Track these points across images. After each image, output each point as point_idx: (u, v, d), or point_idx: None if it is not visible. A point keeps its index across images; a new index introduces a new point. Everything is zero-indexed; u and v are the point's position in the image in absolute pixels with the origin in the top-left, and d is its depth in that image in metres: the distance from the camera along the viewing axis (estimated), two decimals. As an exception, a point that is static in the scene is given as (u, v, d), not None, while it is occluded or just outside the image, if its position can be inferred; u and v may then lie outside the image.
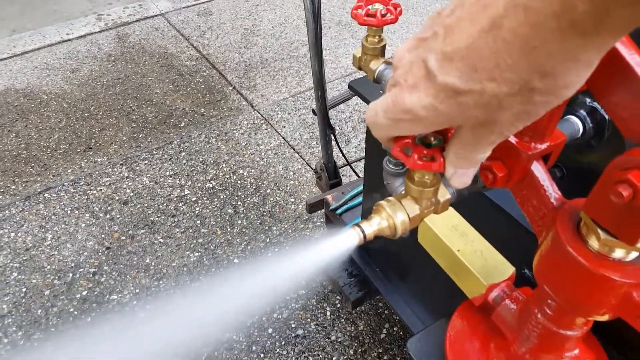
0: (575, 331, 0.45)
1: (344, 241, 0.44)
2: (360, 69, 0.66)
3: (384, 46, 0.61)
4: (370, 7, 0.56)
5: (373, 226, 0.43)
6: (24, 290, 1.41)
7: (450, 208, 0.54)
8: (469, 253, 0.55)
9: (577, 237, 0.40)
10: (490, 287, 0.53)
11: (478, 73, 0.24)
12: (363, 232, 0.43)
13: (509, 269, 0.54)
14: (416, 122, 0.28)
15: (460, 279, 0.56)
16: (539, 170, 0.42)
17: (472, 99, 0.25)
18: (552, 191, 0.42)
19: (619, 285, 0.38)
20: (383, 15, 0.55)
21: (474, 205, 0.59)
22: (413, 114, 0.28)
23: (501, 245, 0.57)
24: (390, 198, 0.45)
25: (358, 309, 1.36)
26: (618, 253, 0.39)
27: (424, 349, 0.56)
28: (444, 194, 0.45)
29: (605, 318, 0.41)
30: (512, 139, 0.41)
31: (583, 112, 0.53)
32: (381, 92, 0.84)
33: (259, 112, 2.00)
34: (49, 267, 1.47)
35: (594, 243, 0.39)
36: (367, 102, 0.79)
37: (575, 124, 0.52)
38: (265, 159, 1.80)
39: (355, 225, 0.43)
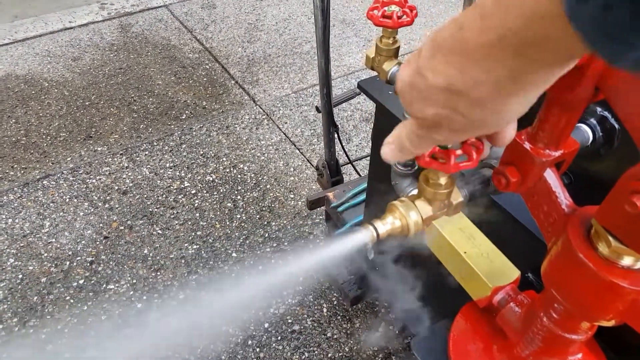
0: (580, 335, 0.46)
1: (357, 239, 0.44)
2: (372, 69, 0.66)
3: (398, 48, 0.62)
4: (386, 8, 0.56)
5: (387, 225, 0.44)
6: (20, 276, 1.41)
7: (459, 210, 0.55)
8: (475, 255, 0.55)
9: (587, 244, 0.40)
10: (496, 290, 0.54)
11: (434, 60, 0.28)
12: (376, 230, 0.43)
13: (514, 273, 0.55)
14: (402, 95, 0.32)
15: (466, 280, 0.56)
16: (551, 176, 0.43)
17: (421, 83, 0.29)
18: (564, 198, 0.43)
19: (627, 292, 0.39)
20: (399, 17, 0.56)
21: (481, 209, 0.59)
22: (399, 85, 0.32)
23: (506, 249, 0.58)
24: (403, 198, 0.45)
25: (355, 306, 1.37)
26: (627, 260, 0.40)
27: (428, 349, 0.56)
28: (457, 197, 0.45)
29: (611, 323, 0.42)
30: (527, 145, 0.42)
31: (593, 121, 0.54)
32: (390, 92, 0.85)
33: (260, 107, 2.00)
34: (46, 254, 1.47)
35: (604, 250, 0.40)
36: (376, 102, 0.80)
37: (586, 132, 0.53)
38: (265, 154, 1.80)
39: (368, 224, 0.44)
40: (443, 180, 0.43)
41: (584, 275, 0.40)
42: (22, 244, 1.49)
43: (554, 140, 0.41)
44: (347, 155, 1.41)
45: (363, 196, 1.21)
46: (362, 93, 0.89)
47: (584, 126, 0.53)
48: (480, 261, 0.55)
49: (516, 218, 0.59)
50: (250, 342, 1.29)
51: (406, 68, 0.31)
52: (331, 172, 1.36)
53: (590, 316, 0.43)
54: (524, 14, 0.23)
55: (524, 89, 0.27)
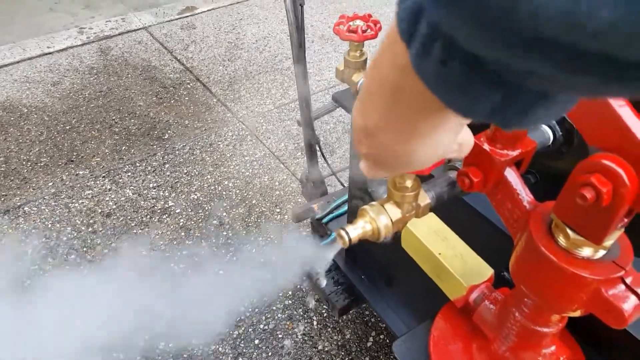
0: (551, 328, 0.48)
1: (331, 245, 0.46)
2: (343, 81, 0.68)
3: (365, 60, 0.64)
4: (351, 23, 0.59)
5: (357, 230, 0.45)
6: (3, 306, 1.38)
7: (432, 213, 0.56)
8: (450, 256, 0.57)
9: (548, 237, 0.42)
10: (471, 289, 0.55)
11: (357, 102, 0.30)
12: (348, 235, 0.45)
13: (488, 271, 0.57)
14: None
15: (442, 281, 0.58)
16: (512, 175, 0.45)
17: (353, 124, 0.31)
18: (525, 195, 0.45)
19: (588, 281, 0.40)
20: (364, 32, 0.58)
21: (454, 210, 0.61)
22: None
23: (480, 248, 0.59)
24: (373, 203, 0.47)
25: (345, 317, 1.37)
26: (586, 251, 0.41)
27: (409, 351, 0.57)
28: (424, 199, 0.47)
29: (578, 314, 0.44)
30: (486, 147, 0.44)
31: (553, 121, 0.56)
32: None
33: (243, 124, 2.01)
34: (29, 282, 1.45)
35: (563, 242, 0.41)
36: (350, 113, 0.82)
37: (546, 132, 0.55)
38: (250, 170, 1.81)
39: (340, 229, 0.45)
40: (409, 183, 0.44)
41: (547, 268, 0.41)
42: (4, 272, 1.47)
43: (511, 140, 0.43)
44: (329, 167, 1.43)
45: (346, 206, 1.22)
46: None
47: (544, 126, 0.55)
48: (455, 262, 0.57)
49: (487, 217, 0.61)
50: (240, 359, 1.28)
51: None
52: (315, 185, 1.38)
53: (557, 308, 0.44)
54: (394, 64, 0.23)
55: (422, 134, 0.27)
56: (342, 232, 0.45)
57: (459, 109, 0.21)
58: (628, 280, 0.41)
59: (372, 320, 1.37)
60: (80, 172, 1.80)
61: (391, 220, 0.45)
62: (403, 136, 0.27)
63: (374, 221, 0.45)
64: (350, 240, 0.44)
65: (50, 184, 1.76)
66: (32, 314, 1.31)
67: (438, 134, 0.27)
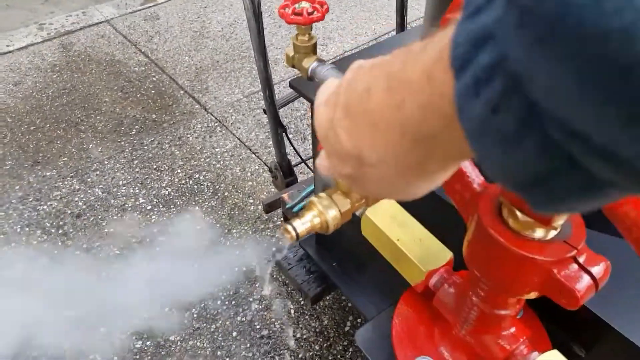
0: (508, 310, 0.47)
1: (279, 240, 0.44)
2: (294, 67, 0.66)
3: (315, 44, 0.62)
4: (296, 5, 0.56)
5: (305, 224, 0.43)
6: (-28, 316, 1.34)
7: (391, 200, 0.55)
8: (408, 242, 0.56)
9: (498, 220, 0.41)
10: (430, 273, 0.54)
11: (346, 120, 0.26)
12: (295, 230, 0.43)
13: (447, 255, 0.56)
14: (321, 142, 0.31)
15: (402, 267, 0.57)
16: (460, 157, 0.44)
17: (336, 143, 0.28)
18: (475, 176, 0.44)
19: (539, 263, 0.40)
20: (310, 14, 0.56)
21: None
22: (318, 131, 0.31)
23: (440, 232, 0.59)
24: (321, 194, 0.45)
25: (322, 303, 1.37)
26: (538, 233, 0.41)
27: (372, 340, 0.57)
28: (373, 187, 0.45)
29: (533, 296, 0.43)
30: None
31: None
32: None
33: (212, 115, 1.97)
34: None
35: (513, 224, 0.41)
36: (308, 100, 0.80)
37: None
38: (221, 162, 1.78)
39: (287, 224, 0.43)
40: (356, 172, 0.43)
41: (498, 251, 0.41)
42: (-29, 282, 1.42)
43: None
44: (298, 155, 1.41)
45: (317, 194, 1.21)
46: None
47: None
48: (414, 247, 0.56)
49: (443, 199, 0.60)
50: (219, 352, 1.27)
51: (324, 110, 0.28)
52: (284, 173, 1.36)
53: (511, 291, 0.43)
54: (427, 102, 0.20)
55: (428, 176, 0.24)
56: (289, 227, 0.43)
57: (492, 169, 0.18)
58: (581, 259, 0.41)
59: (349, 305, 1.37)
60: (47, 174, 1.74)
61: (340, 211, 0.44)
62: (408, 175, 0.24)
63: (322, 214, 0.43)
64: (297, 235, 0.43)
65: (17, 187, 1.70)
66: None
67: (446, 173, 0.25)
